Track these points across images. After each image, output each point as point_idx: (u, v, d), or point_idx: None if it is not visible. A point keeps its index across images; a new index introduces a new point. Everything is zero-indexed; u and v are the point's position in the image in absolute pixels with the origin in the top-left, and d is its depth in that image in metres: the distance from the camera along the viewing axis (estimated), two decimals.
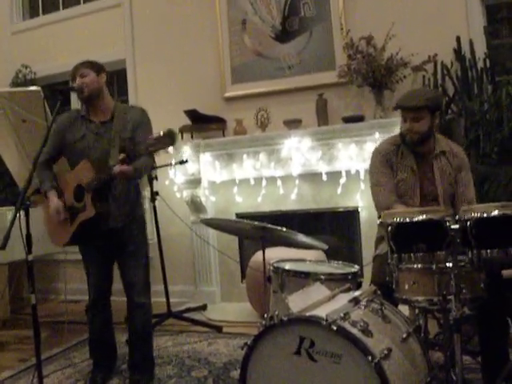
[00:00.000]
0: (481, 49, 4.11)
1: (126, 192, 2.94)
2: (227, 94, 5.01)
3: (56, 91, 3.00)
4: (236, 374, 3.06)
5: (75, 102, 5.69)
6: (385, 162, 2.86)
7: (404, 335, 2.08)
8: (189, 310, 4.61)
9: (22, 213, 2.54)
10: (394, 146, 2.90)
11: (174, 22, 5.27)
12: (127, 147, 2.72)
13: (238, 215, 4.83)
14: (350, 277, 2.56)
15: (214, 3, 5.02)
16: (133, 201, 3.00)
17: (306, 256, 3.20)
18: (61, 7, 6.06)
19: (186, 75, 5.21)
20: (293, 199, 4.67)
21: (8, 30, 6.16)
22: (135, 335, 3.06)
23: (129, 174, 2.69)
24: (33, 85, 4.94)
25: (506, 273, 2.36)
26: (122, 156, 2.63)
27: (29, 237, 2.57)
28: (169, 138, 2.48)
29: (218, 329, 4.04)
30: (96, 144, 2.89)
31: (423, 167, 2.85)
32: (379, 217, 2.70)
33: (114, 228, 2.93)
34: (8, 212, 3.97)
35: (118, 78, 5.75)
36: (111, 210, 2.89)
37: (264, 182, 4.70)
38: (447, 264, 2.07)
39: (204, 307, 4.69)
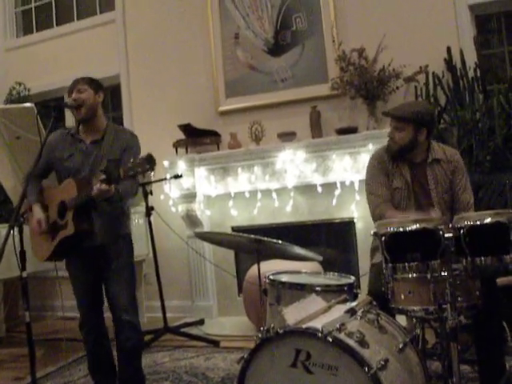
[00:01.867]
0: (471, 59, 4.16)
1: (110, 210, 2.91)
2: (221, 108, 5.03)
3: (49, 108, 3.00)
4: None
5: (69, 119, 5.70)
6: (380, 169, 2.87)
7: (401, 345, 2.06)
8: (186, 324, 4.57)
9: (16, 230, 2.54)
10: (385, 156, 2.91)
11: (168, 37, 5.30)
12: (109, 169, 2.70)
13: (234, 228, 4.83)
14: (346, 288, 2.55)
15: (206, 18, 5.06)
16: (118, 219, 2.97)
17: (302, 268, 3.19)
18: (54, 24, 6.10)
19: (180, 90, 5.22)
20: (288, 211, 4.67)
21: (2, 47, 6.19)
22: (123, 353, 2.99)
23: (106, 194, 2.65)
24: (27, 102, 4.94)
25: (500, 281, 2.36)
26: (101, 177, 2.61)
27: (23, 253, 2.56)
28: (147, 163, 2.49)
29: (216, 343, 4.01)
30: (84, 163, 2.88)
31: (418, 176, 2.84)
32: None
33: (97, 246, 2.90)
34: (2, 229, 3.95)
35: (112, 94, 5.77)
36: (95, 228, 2.86)
37: (259, 195, 4.71)
38: (442, 273, 2.06)
39: (201, 322, 4.66)
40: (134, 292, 3.02)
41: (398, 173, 2.84)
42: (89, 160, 2.88)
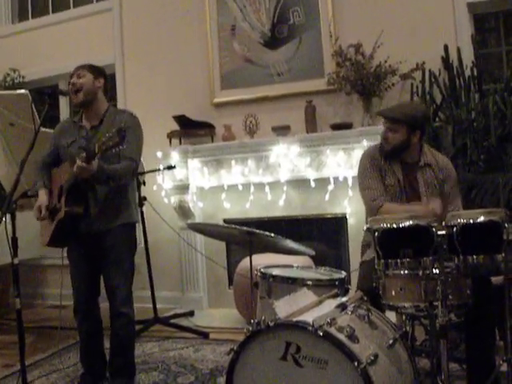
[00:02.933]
0: (468, 57, 4.15)
1: (109, 196, 2.90)
2: (216, 100, 5.02)
3: (44, 94, 3.00)
4: (223, 380, 3.02)
5: (64, 106, 5.67)
6: (373, 165, 2.86)
7: (391, 341, 2.08)
8: (176, 316, 4.58)
9: (9, 217, 2.53)
10: (378, 154, 2.90)
11: (164, 28, 5.27)
12: (88, 146, 2.68)
13: (226, 221, 4.82)
14: (337, 283, 2.56)
15: (203, 9, 5.03)
16: (118, 205, 2.95)
17: (293, 262, 3.20)
18: (50, 11, 6.04)
19: (175, 80, 5.20)
20: (281, 205, 4.68)
21: None
22: (116, 343, 3.02)
23: (87, 172, 2.62)
24: (21, 89, 4.90)
25: (494, 280, 2.38)
26: (82, 155, 2.60)
27: (15, 240, 2.55)
28: (117, 136, 2.50)
29: (205, 335, 4.02)
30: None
31: (409, 178, 2.84)
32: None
33: (96, 232, 2.91)
34: None
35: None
36: (92, 214, 2.87)
37: (252, 188, 4.70)
38: (434, 270, 2.07)
39: (191, 313, 4.67)
40: (131, 285, 3.04)
41: (391, 171, 2.84)
42: (92, 143, 2.87)
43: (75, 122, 3.01)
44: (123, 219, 2.98)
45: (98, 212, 2.89)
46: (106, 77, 3.04)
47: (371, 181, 2.84)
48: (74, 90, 2.89)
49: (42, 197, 2.93)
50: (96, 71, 2.98)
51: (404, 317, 2.65)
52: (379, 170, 2.85)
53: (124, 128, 2.54)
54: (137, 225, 3.21)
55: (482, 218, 2.03)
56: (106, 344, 3.11)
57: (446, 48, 4.20)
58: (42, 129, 2.93)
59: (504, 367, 2.22)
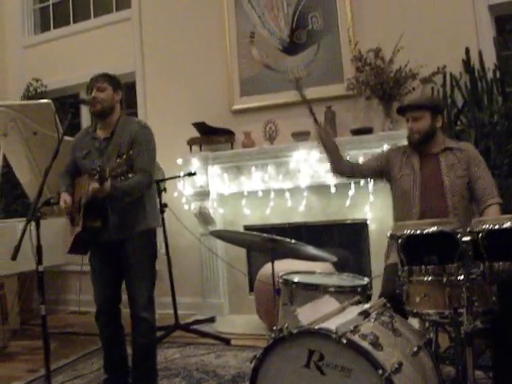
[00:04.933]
0: (490, 60, 4.11)
1: (127, 205, 2.93)
2: (235, 107, 5.03)
3: (66, 104, 3.05)
4: None
5: (85, 115, 5.73)
6: (385, 156, 3.13)
7: (415, 349, 2.05)
8: (197, 322, 4.59)
9: (33, 224, 2.56)
10: (400, 150, 3.09)
11: (183, 35, 5.30)
12: (100, 167, 2.71)
13: (246, 227, 4.82)
14: (359, 289, 2.54)
15: (222, 16, 5.06)
16: (135, 215, 2.97)
17: (315, 268, 3.18)
18: (71, 21, 6.12)
19: (195, 88, 5.23)
20: (301, 211, 4.67)
21: (20, 44, 6.24)
22: (138, 349, 3.04)
23: (100, 193, 2.70)
24: (43, 98, 4.98)
25: None
26: (96, 176, 2.65)
27: (40, 248, 2.58)
28: (125, 165, 2.59)
29: (227, 341, 4.02)
30: (97, 160, 2.91)
31: (428, 165, 2.93)
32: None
33: (115, 241, 2.94)
34: (18, 224, 3.97)
35: (127, 91, 5.78)
36: (109, 224, 2.90)
37: (272, 195, 4.70)
38: (458, 277, 2.05)
39: (212, 319, 4.68)
40: (152, 290, 3.05)
41: (409, 163, 2.98)
42: (102, 157, 2.91)
43: (89, 133, 3.06)
44: (141, 227, 3.00)
45: (117, 221, 2.93)
46: (122, 88, 3.08)
47: (370, 158, 3.26)
48: (94, 102, 2.93)
49: (65, 196, 2.99)
50: (115, 83, 3.02)
51: (427, 324, 2.63)
52: (387, 160, 3.08)
53: (133, 156, 2.62)
54: (158, 229, 3.24)
55: (508, 224, 2.00)
56: (129, 350, 3.13)
57: (467, 51, 4.16)
58: (66, 137, 2.97)
59: None
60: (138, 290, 2.98)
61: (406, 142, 3.57)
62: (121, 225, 2.94)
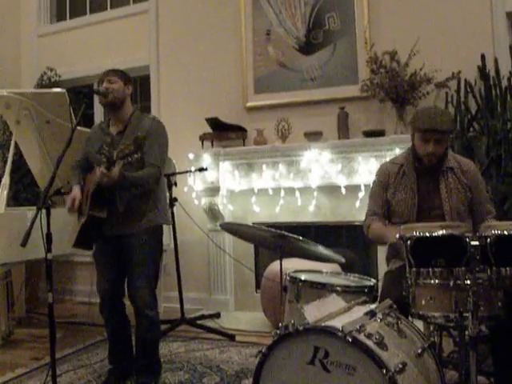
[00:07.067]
0: (506, 67, 4.10)
1: (133, 201, 2.95)
2: (249, 104, 5.04)
3: (80, 94, 3.08)
4: (248, 382, 3.05)
5: (98, 106, 5.76)
6: (381, 185, 2.90)
7: (419, 350, 2.05)
8: (202, 317, 4.61)
9: (44, 212, 2.58)
10: (397, 165, 2.88)
11: (199, 31, 5.32)
12: (108, 153, 2.75)
13: (255, 225, 4.82)
14: (366, 290, 2.55)
15: (239, 13, 5.08)
16: (141, 209, 2.98)
17: (322, 268, 3.19)
18: (88, 12, 6.15)
19: (209, 83, 5.25)
20: (310, 211, 4.67)
21: (35, 33, 6.27)
22: (141, 343, 3.07)
23: (109, 178, 2.71)
24: (57, 87, 5.00)
25: None
26: (103, 160, 2.70)
27: (49, 235, 2.60)
28: (133, 145, 2.62)
29: (231, 337, 4.03)
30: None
31: (426, 185, 2.80)
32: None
33: (120, 235, 2.97)
34: (29, 212, 4.00)
35: (141, 84, 5.81)
36: (116, 216, 2.92)
37: (282, 193, 4.71)
38: (465, 281, 2.05)
39: (217, 315, 4.69)
40: (155, 286, 3.07)
41: (403, 184, 2.82)
42: (113, 150, 2.93)
43: (102, 128, 3.10)
44: (147, 222, 3.01)
45: (122, 216, 2.94)
46: (132, 83, 3.12)
47: (372, 201, 2.96)
48: (106, 93, 2.97)
49: (76, 190, 3.00)
50: (126, 78, 3.07)
51: (432, 327, 2.63)
52: (385, 188, 2.87)
53: (141, 137, 2.66)
54: (166, 226, 3.24)
55: None
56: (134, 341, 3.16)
57: (482, 57, 4.16)
58: (78, 128, 2.99)
59: None
60: (141, 287, 2.99)
61: None
62: (127, 219, 2.96)
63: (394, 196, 2.83)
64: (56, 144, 4.43)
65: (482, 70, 4.15)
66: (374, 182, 2.97)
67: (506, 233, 2.01)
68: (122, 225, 2.96)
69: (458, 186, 2.77)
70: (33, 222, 2.45)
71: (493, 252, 2.01)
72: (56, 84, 5.75)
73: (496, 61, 4.11)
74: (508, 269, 2.00)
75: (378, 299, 2.60)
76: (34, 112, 4.38)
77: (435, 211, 2.75)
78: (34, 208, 2.58)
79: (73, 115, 4.15)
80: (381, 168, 2.99)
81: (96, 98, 5.71)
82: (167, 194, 4.22)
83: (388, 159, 4.12)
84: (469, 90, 4.16)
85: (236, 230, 3.17)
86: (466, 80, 4.18)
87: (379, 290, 2.67)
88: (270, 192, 4.74)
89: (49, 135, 4.51)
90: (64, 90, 4.36)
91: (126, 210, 2.94)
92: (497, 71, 4.08)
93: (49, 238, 2.61)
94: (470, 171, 2.81)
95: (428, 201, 2.78)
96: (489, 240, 2.01)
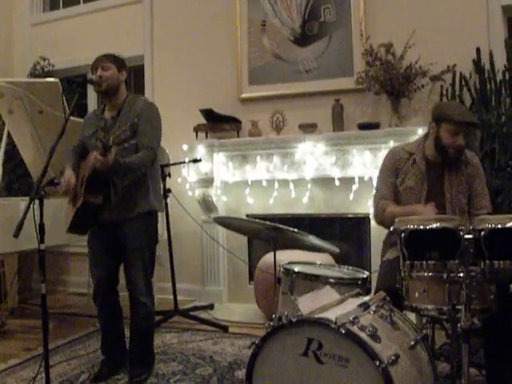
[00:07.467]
0: (501, 61, 4.09)
1: (130, 184, 2.93)
2: (243, 95, 5.02)
3: (74, 83, 3.05)
4: (241, 373, 3.06)
5: (92, 96, 5.73)
6: (392, 168, 2.89)
7: (412, 342, 2.07)
8: (196, 308, 4.62)
9: (37, 202, 2.56)
10: (407, 153, 2.90)
11: (194, 21, 5.29)
12: (103, 138, 2.73)
13: (249, 216, 4.81)
14: (359, 282, 2.55)
15: (234, 3, 5.04)
16: (135, 195, 2.97)
17: (315, 260, 3.20)
18: (81, 1, 6.09)
19: (203, 74, 5.22)
20: (304, 203, 4.67)
21: (28, 22, 6.20)
22: (135, 332, 3.08)
23: (104, 163, 2.69)
24: (50, 77, 4.96)
25: None
26: (98, 145, 2.69)
27: (42, 226, 2.59)
28: (130, 130, 2.61)
29: (224, 328, 4.04)
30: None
31: (433, 175, 2.83)
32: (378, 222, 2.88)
33: (114, 222, 2.96)
34: (21, 202, 3.98)
35: (135, 74, 5.77)
36: (112, 202, 2.90)
37: (276, 185, 4.71)
38: (459, 274, 2.05)
39: (211, 306, 4.70)
40: (151, 275, 3.07)
41: (413, 172, 2.84)
42: (109, 136, 2.90)
43: (97, 114, 3.09)
44: (141, 208, 3.00)
45: (117, 202, 2.93)
46: (127, 68, 3.09)
47: (383, 185, 2.91)
48: (100, 82, 2.94)
49: (69, 173, 2.97)
50: (120, 63, 3.04)
51: (424, 320, 2.64)
52: (396, 174, 2.87)
53: (137, 123, 2.59)
54: (160, 215, 3.23)
55: (510, 224, 2.01)
56: (127, 333, 3.16)
57: (478, 51, 4.15)
58: (71, 118, 2.97)
59: None
60: (137, 274, 2.99)
61: (411, 139, 3.60)
62: (122, 204, 2.94)
63: (403, 183, 2.86)
64: (49, 134, 4.39)
65: (477, 63, 4.14)
66: (385, 165, 2.95)
67: (499, 226, 2.02)
68: (116, 211, 2.94)
69: (461, 178, 2.81)
70: (25, 213, 2.43)
71: (486, 245, 2.02)
72: (49, 74, 5.70)
73: (491, 54, 4.10)
74: (501, 262, 2.01)
75: (375, 288, 2.62)
76: (26, 102, 4.35)
77: (438, 201, 2.76)
78: (27, 198, 2.56)
79: (66, 105, 4.12)
80: (393, 152, 2.98)
81: (90, 88, 5.70)
82: (161, 185, 4.20)
83: (382, 152, 4.18)
84: (464, 83, 4.16)
85: (230, 223, 3.17)
86: (461, 73, 4.17)
87: (372, 282, 2.68)
88: (264, 184, 4.73)
89: (42, 125, 4.48)
90: (57, 80, 4.33)
91: (122, 195, 2.92)
92: (492, 65, 4.07)
93: (42, 229, 2.60)
94: (474, 164, 2.86)
95: (433, 191, 2.82)
96: (482, 233, 2.02)
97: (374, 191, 4.22)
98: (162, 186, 3.61)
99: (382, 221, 2.87)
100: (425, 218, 2.20)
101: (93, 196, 2.86)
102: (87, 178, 2.84)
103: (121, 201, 2.93)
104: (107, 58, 3.00)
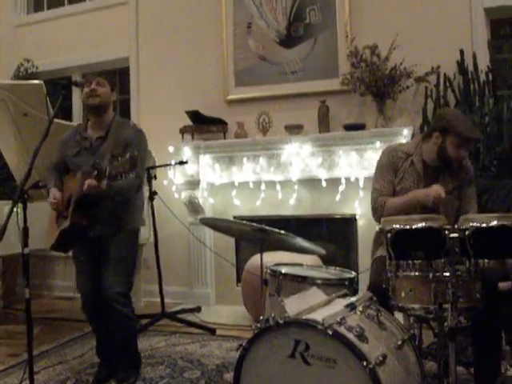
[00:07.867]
0: (484, 62, 4.14)
1: (115, 204, 2.95)
2: (229, 97, 5.02)
3: (58, 85, 3.03)
4: (229, 376, 3.05)
5: (77, 98, 5.69)
6: (391, 166, 2.87)
7: (399, 342, 2.07)
8: (183, 311, 4.59)
9: (20, 206, 2.54)
10: (404, 153, 2.90)
11: (179, 23, 5.27)
12: (99, 165, 2.74)
13: (236, 218, 4.81)
14: (346, 283, 2.55)
15: (219, 5, 5.04)
16: (120, 213, 3.00)
17: (302, 261, 3.19)
18: (66, 2, 6.05)
19: (189, 76, 5.21)
20: (291, 204, 4.67)
21: (12, 23, 6.15)
22: (115, 339, 3.06)
23: (96, 190, 2.73)
24: (34, 79, 4.91)
25: (502, 285, 2.36)
26: (94, 173, 2.71)
27: (26, 229, 2.56)
28: (128, 163, 2.57)
29: (212, 331, 4.02)
30: (88, 160, 2.91)
31: (429, 177, 2.84)
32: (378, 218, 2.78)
33: (98, 237, 2.97)
34: (5, 206, 3.93)
35: (120, 77, 5.74)
36: (98, 220, 2.92)
37: (263, 186, 4.70)
38: (444, 273, 2.07)
39: (198, 309, 4.68)
40: (129, 284, 3.07)
41: (410, 173, 2.84)
42: (93, 157, 2.92)
43: (79, 132, 3.06)
44: (127, 224, 3.05)
45: (103, 218, 2.95)
46: (115, 92, 3.16)
47: (382, 181, 2.87)
48: (94, 94, 2.94)
49: (54, 192, 2.98)
50: (112, 84, 3.09)
51: (412, 319, 2.65)
52: (394, 171, 2.86)
53: (136, 156, 2.61)
54: (147, 217, 3.23)
55: (494, 223, 2.03)
56: None
57: (461, 52, 4.18)
58: (55, 120, 2.94)
59: (511, 372, 2.21)
60: (114, 284, 2.96)
61: (396, 140, 3.63)
62: (108, 221, 2.97)
63: (400, 182, 2.85)
64: (33, 137, 4.33)
65: (461, 64, 4.18)
66: (383, 162, 2.92)
67: (484, 225, 2.04)
68: (102, 227, 2.96)
69: (455, 182, 2.83)
70: (9, 217, 2.40)
71: (471, 244, 2.04)
72: (33, 75, 5.64)
73: (474, 56, 4.14)
74: (486, 260, 2.03)
75: (368, 284, 2.63)
76: (10, 104, 4.30)
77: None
78: (11, 202, 2.53)
79: (50, 107, 4.09)
80: (390, 150, 2.96)
81: (75, 90, 5.67)
82: (145, 193, 4.13)
83: (368, 152, 4.20)
84: (448, 84, 4.19)
85: (216, 224, 3.16)
86: (445, 74, 4.20)
87: (360, 282, 2.69)
88: (251, 185, 4.73)
89: (26, 128, 4.43)
90: (41, 82, 4.28)
91: (107, 215, 2.95)
92: (475, 66, 4.11)
93: (25, 232, 2.57)
94: (466, 167, 2.89)
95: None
96: (467, 232, 2.04)
97: (361, 192, 4.32)
98: (144, 201, 3.63)
99: (384, 216, 2.85)
100: (410, 217, 2.19)
101: (80, 218, 2.87)
102: (76, 200, 2.83)
103: (106, 219, 2.96)
104: (102, 76, 3.03)
